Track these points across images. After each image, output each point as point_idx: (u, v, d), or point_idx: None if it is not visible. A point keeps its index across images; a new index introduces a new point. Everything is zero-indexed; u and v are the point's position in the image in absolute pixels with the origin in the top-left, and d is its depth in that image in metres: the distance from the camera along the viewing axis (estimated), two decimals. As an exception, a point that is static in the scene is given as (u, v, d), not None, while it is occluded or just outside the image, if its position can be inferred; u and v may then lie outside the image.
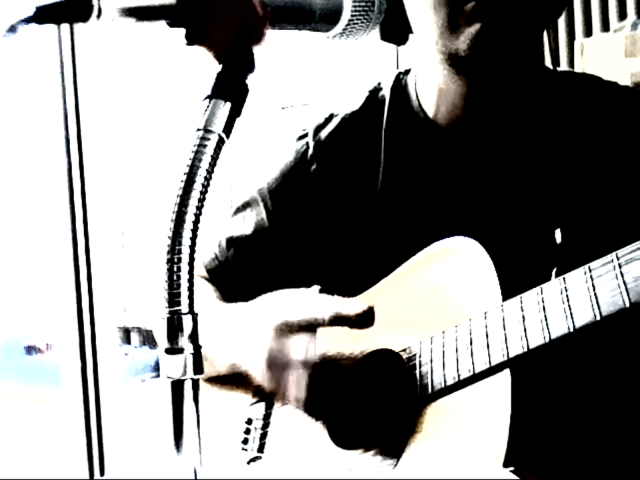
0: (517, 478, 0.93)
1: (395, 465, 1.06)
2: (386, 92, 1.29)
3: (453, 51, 1.11)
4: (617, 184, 1.16)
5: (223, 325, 1.23)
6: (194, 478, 0.72)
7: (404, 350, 1.12)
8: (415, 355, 1.09)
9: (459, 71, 1.16)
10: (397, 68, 1.52)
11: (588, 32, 3.32)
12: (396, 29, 1.16)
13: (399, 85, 1.28)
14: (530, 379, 1.00)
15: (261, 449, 1.19)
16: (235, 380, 1.21)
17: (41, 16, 0.72)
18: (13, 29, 0.71)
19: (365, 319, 1.08)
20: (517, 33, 1.11)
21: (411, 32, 1.19)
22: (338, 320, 1.09)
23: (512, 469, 0.94)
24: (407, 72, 1.30)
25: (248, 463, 1.20)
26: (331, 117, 1.31)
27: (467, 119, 1.20)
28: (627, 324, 0.98)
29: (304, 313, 1.11)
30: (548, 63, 1.26)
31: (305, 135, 1.32)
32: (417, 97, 1.25)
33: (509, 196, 1.18)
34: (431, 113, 1.23)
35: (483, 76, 1.16)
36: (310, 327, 1.10)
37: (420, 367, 1.07)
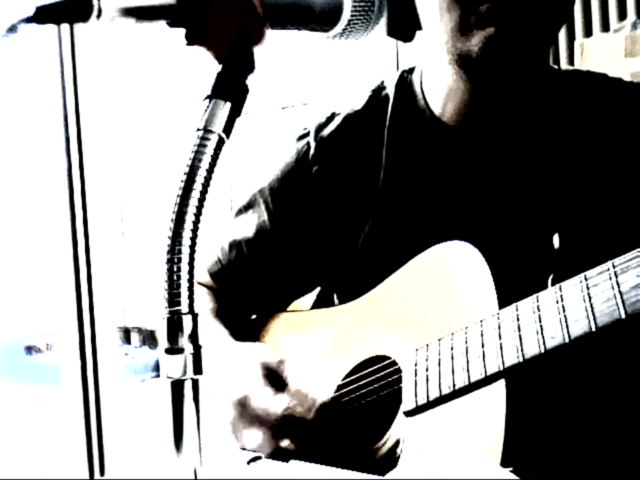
0: (517, 478, 0.92)
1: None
2: (390, 90, 1.27)
3: (465, 53, 1.10)
4: (617, 188, 1.15)
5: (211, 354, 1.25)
6: (194, 478, 0.72)
7: (400, 357, 1.11)
8: (411, 362, 1.08)
9: (467, 72, 1.15)
10: (397, 67, 1.51)
11: (588, 32, 3.32)
12: (403, 25, 1.16)
13: (404, 83, 1.27)
14: (527, 380, 1.00)
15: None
16: None
17: (41, 16, 0.72)
18: (13, 28, 0.71)
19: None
20: (530, 37, 1.11)
21: (418, 29, 1.18)
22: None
23: (511, 468, 0.94)
24: (412, 70, 1.28)
25: (248, 463, 1.19)
26: (333, 116, 1.30)
27: (474, 119, 1.19)
28: (623, 331, 0.96)
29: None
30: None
31: (306, 135, 1.31)
32: (423, 95, 1.24)
33: (510, 198, 1.17)
34: (437, 111, 1.22)
35: (493, 78, 1.15)
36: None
37: (416, 375, 1.06)
